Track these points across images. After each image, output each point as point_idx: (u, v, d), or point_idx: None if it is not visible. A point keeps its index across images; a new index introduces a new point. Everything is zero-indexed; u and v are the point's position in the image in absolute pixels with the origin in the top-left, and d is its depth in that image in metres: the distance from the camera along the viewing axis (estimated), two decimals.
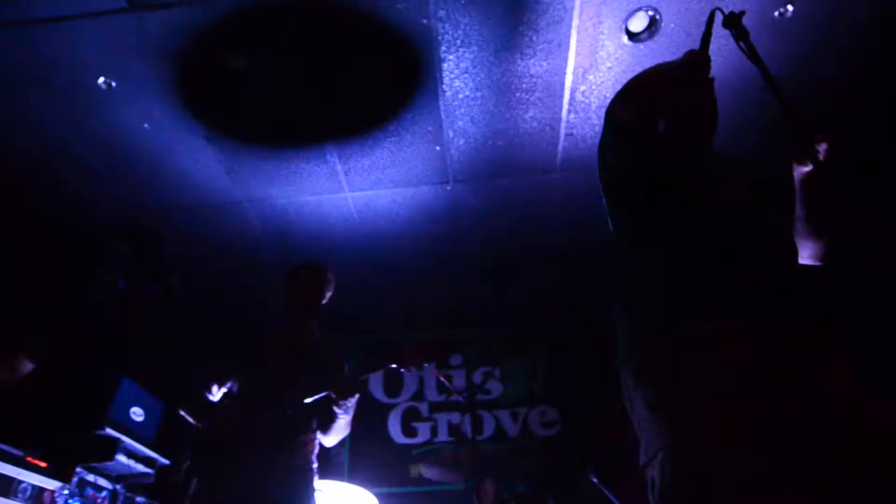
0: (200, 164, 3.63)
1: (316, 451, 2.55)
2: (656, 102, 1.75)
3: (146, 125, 3.38)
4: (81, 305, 3.78)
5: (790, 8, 2.91)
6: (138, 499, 3.81)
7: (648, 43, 3.04)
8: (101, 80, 3.12)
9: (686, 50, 1.83)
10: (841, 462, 1.29)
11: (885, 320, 2.90)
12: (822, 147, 1.60)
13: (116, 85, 3.14)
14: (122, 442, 3.57)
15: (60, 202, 3.83)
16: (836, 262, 1.66)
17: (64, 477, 3.25)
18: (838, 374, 1.41)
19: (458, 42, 3.03)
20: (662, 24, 2.96)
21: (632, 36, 3.04)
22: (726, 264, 1.51)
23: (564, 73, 3.20)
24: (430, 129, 3.48)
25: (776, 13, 2.91)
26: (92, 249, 3.94)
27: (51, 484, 3.20)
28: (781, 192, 1.73)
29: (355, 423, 2.65)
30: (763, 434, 1.32)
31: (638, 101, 1.73)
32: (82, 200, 3.83)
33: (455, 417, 4.95)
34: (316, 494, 2.47)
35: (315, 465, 2.52)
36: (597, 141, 1.87)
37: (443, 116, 3.40)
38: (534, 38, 3.04)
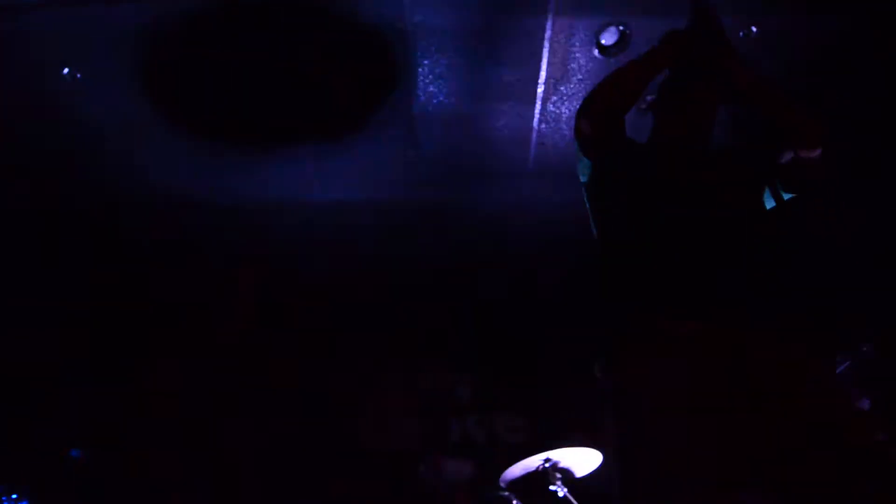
0: (168, 160, 3.57)
1: None
2: (619, 110, 1.77)
3: (112, 119, 3.31)
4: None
5: (754, 28, 3.01)
6: None
7: (619, 57, 3.10)
8: (66, 70, 3.05)
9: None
10: (812, 463, 1.33)
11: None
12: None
13: (81, 76, 3.08)
14: None
15: (18, 196, 3.72)
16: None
17: None
18: (811, 376, 1.45)
19: (434, 48, 3.05)
20: (633, 40, 3.03)
21: (603, 50, 3.10)
22: (694, 266, 1.55)
23: (537, 83, 3.25)
24: (403, 133, 3.49)
25: (741, 33, 3.01)
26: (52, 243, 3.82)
27: None
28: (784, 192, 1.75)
29: None
30: (719, 435, 1.36)
31: (595, 114, 1.76)
32: (43, 195, 3.72)
33: None
34: None
35: None
36: (568, 150, 1.91)
37: (416, 121, 3.42)
38: (507, 48, 3.08)
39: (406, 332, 5.18)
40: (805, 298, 1.54)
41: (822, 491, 1.31)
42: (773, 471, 1.36)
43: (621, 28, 3.01)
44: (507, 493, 3.31)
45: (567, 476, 3.38)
